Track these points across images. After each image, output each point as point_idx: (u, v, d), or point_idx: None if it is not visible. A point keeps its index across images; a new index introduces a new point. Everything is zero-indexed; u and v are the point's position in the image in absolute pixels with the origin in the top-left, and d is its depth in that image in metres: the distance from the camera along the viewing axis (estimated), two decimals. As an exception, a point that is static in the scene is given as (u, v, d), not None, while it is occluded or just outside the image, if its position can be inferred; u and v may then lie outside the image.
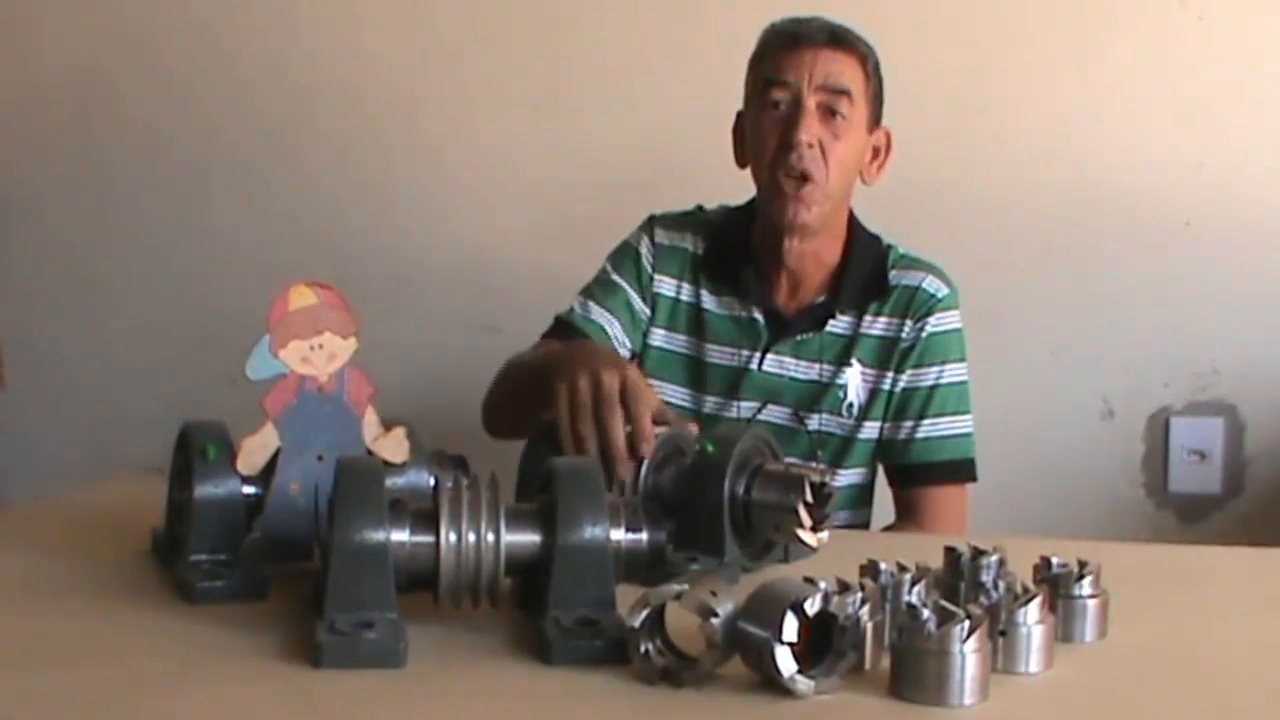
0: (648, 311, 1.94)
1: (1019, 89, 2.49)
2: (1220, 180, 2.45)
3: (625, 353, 1.90)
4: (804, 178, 1.79)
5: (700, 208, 1.99)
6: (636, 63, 2.57)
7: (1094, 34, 2.47)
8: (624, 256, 1.96)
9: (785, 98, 1.81)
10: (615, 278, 1.94)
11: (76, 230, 2.76)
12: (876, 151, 1.89)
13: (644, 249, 1.95)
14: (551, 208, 2.60)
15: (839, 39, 1.83)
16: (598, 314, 1.91)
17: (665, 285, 1.94)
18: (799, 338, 1.88)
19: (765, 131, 1.83)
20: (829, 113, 1.80)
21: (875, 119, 1.87)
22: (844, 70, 1.81)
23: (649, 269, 1.94)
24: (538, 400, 1.49)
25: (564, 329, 1.90)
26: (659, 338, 1.94)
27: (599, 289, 1.94)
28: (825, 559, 1.28)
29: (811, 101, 1.80)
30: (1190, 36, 2.45)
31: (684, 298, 1.94)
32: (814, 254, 1.87)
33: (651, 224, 1.97)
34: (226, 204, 2.71)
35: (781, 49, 1.83)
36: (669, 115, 2.52)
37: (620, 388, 1.40)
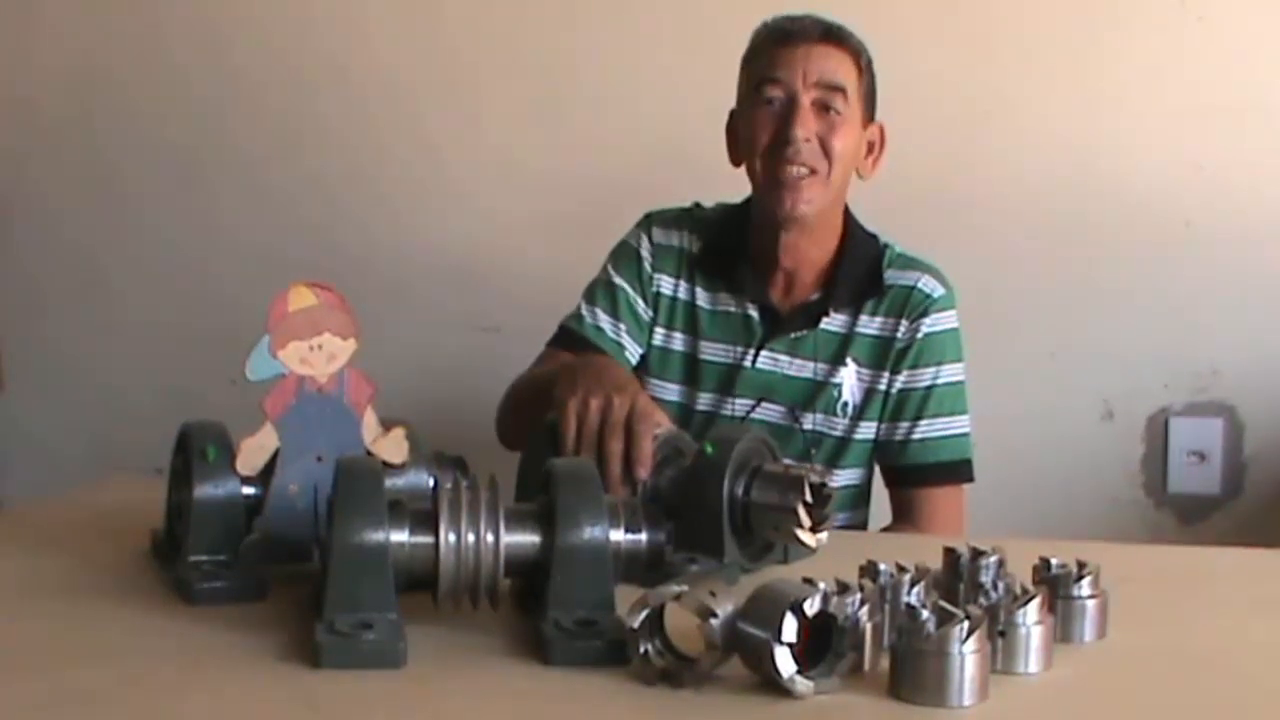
0: (650, 312, 1.93)
1: (1020, 90, 2.49)
2: (1220, 180, 2.45)
3: (634, 356, 1.91)
4: (803, 169, 1.79)
5: (697, 205, 1.98)
6: (638, 60, 2.57)
7: (1094, 34, 2.47)
8: (624, 257, 1.95)
9: (779, 95, 1.81)
10: (618, 280, 1.93)
11: (76, 229, 2.76)
12: (871, 146, 1.89)
13: (644, 249, 1.94)
14: (552, 206, 2.60)
15: (832, 35, 1.83)
16: (605, 320, 1.90)
17: (664, 284, 1.94)
18: (793, 335, 1.88)
19: (760, 126, 1.82)
20: (824, 109, 1.80)
21: (869, 115, 1.87)
22: (838, 67, 1.81)
23: (649, 269, 1.93)
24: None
25: (571, 339, 1.89)
26: (658, 337, 1.93)
27: (603, 293, 1.93)
28: (824, 560, 1.28)
29: (806, 98, 1.80)
30: (1190, 36, 2.45)
31: (680, 295, 1.93)
32: (809, 250, 1.86)
33: (649, 222, 1.96)
34: (226, 203, 2.71)
35: (775, 46, 1.83)
36: (670, 113, 2.52)
37: (628, 413, 1.41)
